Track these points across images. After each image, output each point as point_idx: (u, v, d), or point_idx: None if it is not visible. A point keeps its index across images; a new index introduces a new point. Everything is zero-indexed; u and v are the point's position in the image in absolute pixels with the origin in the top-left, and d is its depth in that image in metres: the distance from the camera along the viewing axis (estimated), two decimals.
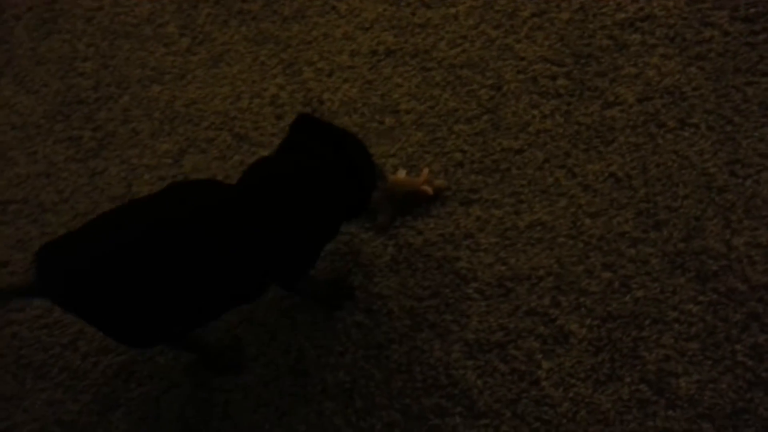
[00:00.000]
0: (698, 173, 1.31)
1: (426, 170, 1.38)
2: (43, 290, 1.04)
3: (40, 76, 1.72)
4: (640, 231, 1.29)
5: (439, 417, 1.21)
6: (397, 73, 1.54)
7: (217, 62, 1.64)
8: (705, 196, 1.29)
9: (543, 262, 1.30)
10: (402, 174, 1.38)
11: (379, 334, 1.30)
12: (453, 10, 1.59)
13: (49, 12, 1.81)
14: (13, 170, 1.61)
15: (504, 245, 1.33)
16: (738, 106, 1.35)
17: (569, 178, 1.37)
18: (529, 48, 1.51)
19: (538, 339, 1.24)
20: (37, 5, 1.82)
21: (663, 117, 1.37)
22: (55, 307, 1.41)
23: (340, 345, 1.30)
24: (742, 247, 1.24)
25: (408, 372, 1.25)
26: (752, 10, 1.42)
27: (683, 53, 1.41)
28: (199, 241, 1.03)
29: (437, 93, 1.51)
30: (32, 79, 1.73)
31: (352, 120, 1.50)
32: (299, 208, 1.09)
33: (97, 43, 1.73)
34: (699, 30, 1.43)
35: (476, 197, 1.39)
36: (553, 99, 1.44)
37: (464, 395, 1.22)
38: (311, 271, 1.31)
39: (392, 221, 1.39)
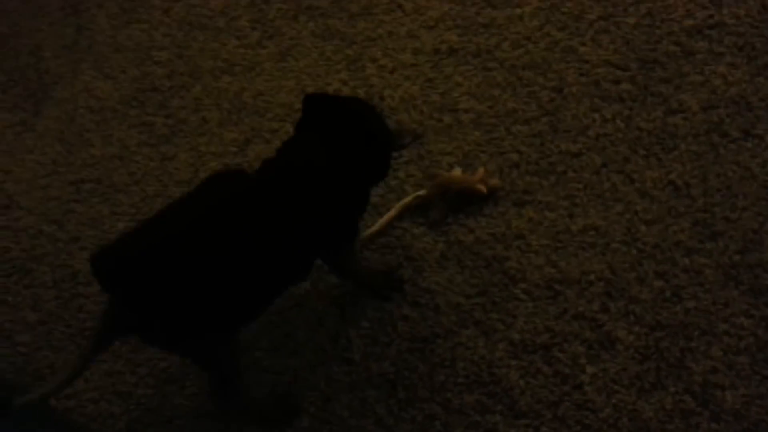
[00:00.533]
0: (759, 185, 1.32)
1: (482, 169, 1.43)
2: (109, 319, 1.12)
3: (119, 63, 1.86)
4: (695, 241, 1.31)
5: (480, 414, 1.26)
6: (459, 72, 1.60)
7: (284, 56, 1.74)
8: (764, 208, 1.29)
9: (594, 267, 1.34)
10: (457, 172, 1.43)
11: (425, 328, 1.36)
12: (518, 11, 1.63)
13: (129, 2, 1.95)
14: (89, 151, 1.75)
15: (555, 248, 1.37)
16: None
17: (627, 183, 1.40)
18: (593, 51, 1.54)
19: (584, 343, 1.28)
20: None
21: (726, 127, 1.38)
22: None
23: (386, 336, 1.36)
24: None
25: (451, 367, 1.31)
26: None
27: (751, 62, 1.41)
28: (242, 227, 1.11)
29: (497, 93, 1.55)
30: (111, 65, 1.87)
31: (411, 117, 1.57)
32: (325, 184, 1.16)
33: (173, 34, 1.86)
34: None
35: (530, 198, 1.43)
36: (615, 103, 1.47)
37: (506, 394, 1.27)
38: (364, 262, 1.39)
39: (444, 218, 1.44)
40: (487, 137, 1.51)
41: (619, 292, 1.30)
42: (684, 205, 1.34)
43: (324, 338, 1.39)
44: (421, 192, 1.46)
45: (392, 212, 1.45)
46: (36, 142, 1.80)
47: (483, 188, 1.40)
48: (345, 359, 1.36)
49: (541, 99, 1.52)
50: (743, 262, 1.27)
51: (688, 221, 1.33)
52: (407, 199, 1.46)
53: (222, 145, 1.66)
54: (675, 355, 1.23)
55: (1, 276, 1.63)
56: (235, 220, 1.11)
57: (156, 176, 1.67)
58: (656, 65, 1.48)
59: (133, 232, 1.15)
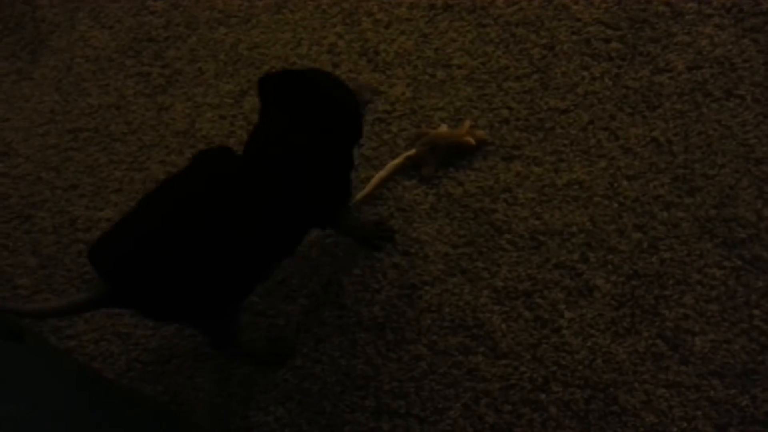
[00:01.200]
0: (738, 143, 1.41)
1: (467, 122, 1.52)
2: (107, 298, 1.17)
3: (114, 13, 1.93)
4: (674, 195, 1.41)
5: (463, 354, 1.38)
6: (453, 28, 1.68)
7: (280, 8, 1.81)
8: (742, 166, 1.39)
9: (576, 220, 1.44)
10: (443, 128, 1.53)
11: (413, 275, 1.46)
12: None
13: None
14: (86, 100, 1.83)
15: (540, 201, 1.47)
16: None
17: (611, 140, 1.49)
18: (585, 10, 1.62)
19: (564, 291, 1.39)
20: None
21: (710, 86, 1.47)
22: None
23: (377, 283, 1.47)
24: None
25: (437, 312, 1.42)
26: None
27: (738, 24, 1.50)
28: (236, 203, 1.17)
29: (490, 50, 1.64)
30: (107, 15, 1.94)
31: (405, 71, 1.65)
32: (308, 157, 1.23)
33: None
34: (757, 2, 1.51)
35: (518, 153, 1.52)
36: (604, 62, 1.56)
37: (488, 337, 1.38)
38: (355, 213, 1.49)
39: (435, 173, 1.54)
40: (479, 93, 1.60)
41: (598, 243, 1.41)
42: (665, 162, 1.44)
43: (317, 285, 1.50)
44: (411, 152, 1.54)
45: (383, 173, 1.54)
46: (33, 91, 1.88)
47: (471, 140, 1.49)
48: (337, 304, 1.47)
49: (533, 56, 1.61)
50: (719, 216, 1.37)
51: (668, 177, 1.43)
52: (397, 160, 1.54)
53: (218, 96, 1.74)
54: (649, 303, 1.35)
55: (0, 222, 1.72)
56: (228, 201, 1.17)
57: (152, 126, 1.75)
58: (645, 25, 1.56)
59: (128, 219, 1.19)
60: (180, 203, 1.16)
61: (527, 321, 1.38)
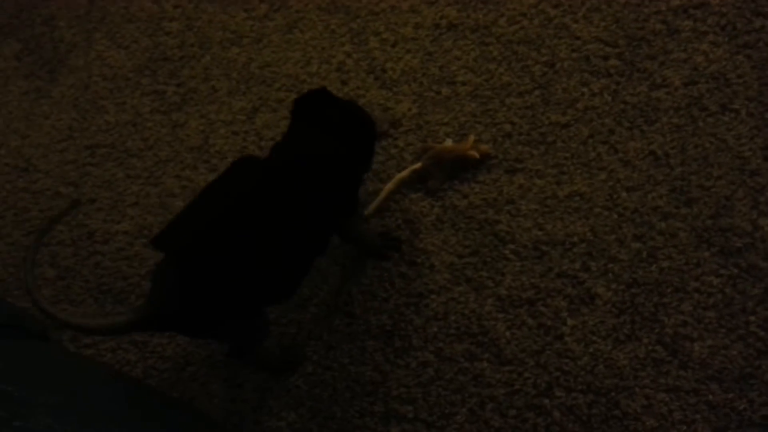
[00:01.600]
0: (733, 156, 1.46)
1: (471, 137, 1.57)
2: (147, 320, 1.22)
3: (131, 33, 2.00)
4: (672, 206, 1.45)
5: (469, 361, 1.42)
6: (457, 47, 1.73)
7: (291, 28, 1.87)
8: (737, 177, 1.44)
9: (578, 230, 1.48)
10: (448, 142, 1.58)
11: (420, 284, 1.51)
12: None
13: None
14: (103, 117, 1.89)
15: (543, 212, 1.52)
16: None
17: (611, 153, 1.54)
18: (585, 28, 1.67)
19: (566, 299, 1.43)
20: None
21: (706, 101, 1.52)
22: (136, 240, 1.69)
23: (385, 292, 1.52)
24: (767, 227, 1.39)
25: (444, 320, 1.46)
26: None
27: (732, 41, 1.55)
28: (272, 213, 1.24)
29: (493, 67, 1.69)
30: (123, 35, 2.00)
31: (410, 88, 1.71)
32: (333, 168, 1.32)
33: (183, 5, 1.99)
34: (750, 19, 1.56)
35: (521, 166, 1.57)
36: (603, 78, 1.61)
37: (493, 344, 1.42)
38: (364, 225, 1.54)
39: (441, 186, 1.59)
40: (482, 109, 1.65)
41: (599, 253, 1.45)
42: (663, 174, 1.48)
43: (327, 294, 1.54)
44: (417, 165, 1.59)
45: (390, 186, 1.59)
46: (52, 109, 1.94)
47: (475, 154, 1.54)
48: (346, 312, 1.52)
49: (534, 73, 1.66)
50: (715, 226, 1.42)
51: (665, 188, 1.47)
52: (404, 173, 1.59)
53: (231, 113, 1.80)
54: (649, 310, 1.38)
55: (21, 235, 1.78)
56: (266, 207, 1.24)
57: (168, 142, 1.81)
58: (643, 42, 1.62)
59: (182, 223, 1.25)
60: (221, 211, 1.23)
61: (531, 328, 1.42)
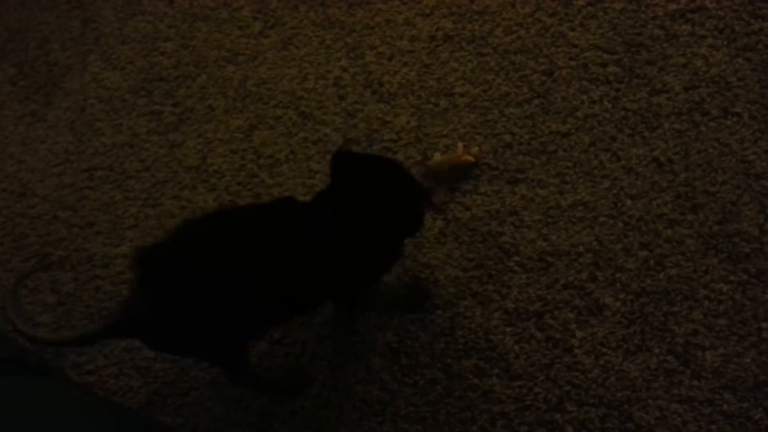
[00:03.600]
0: (737, 160, 1.42)
1: (459, 144, 1.54)
2: (117, 325, 1.19)
3: (126, 54, 1.95)
4: (677, 213, 1.41)
5: (478, 377, 1.37)
6: (454, 58, 1.69)
7: (286, 45, 1.83)
8: (742, 182, 1.40)
9: (583, 240, 1.44)
10: (437, 156, 1.54)
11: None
12: None
13: None
14: (100, 140, 1.85)
15: (546, 222, 1.47)
16: None
17: (613, 161, 1.50)
18: (582, 36, 1.64)
19: (574, 310, 1.38)
20: None
21: (707, 105, 1.48)
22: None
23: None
24: None
25: (450, 335, 1.42)
26: None
27: (731, 45, 1.51)
28: (284, 252, 1.15)
29: (491, 78, 1.65)
30: (118, 56, 1.96)
31: (408, 101, 1.66)
32: (363, 229, 1.20)
33: (177, 25, 1.95)
34: (749, 22, 1.52)
35: (522, 177, 1.53)
36: (603, 85, 1.57)
37: (502, 359, 1.37)
38: (381, 286, 1.42)
39: (446, 198, 1.54)
40: (482, 119, 1.61)
41: (606, 262, 1.41)
42: (667, 180, 1.44)
43: (330, 313, 1.49)
44: None
45: None
46: (48, 132, 1.90)
47: (470, 158, 1.51)
48: (350, 331, 1.47)
49: (533, 82, 1.62)
50: (722, 232, 1.37)
51: (670, 195, 1.43)
52: None
53: (228, 131, 1.75)
54: (659, 319, 1.34)
55: (19, 261, 1.73)
56: (273, 247, 1.15)
57: (165, 162, 1.76)
58: (641, 48, 1.58)
59: (174, 238, 1.19)
60: (220, 237, 1.16)
61: (539, 341, 1.37)
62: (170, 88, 1.86)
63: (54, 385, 1.08)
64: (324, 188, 1.26)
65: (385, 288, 1.45)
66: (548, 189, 1.51)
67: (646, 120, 1.51)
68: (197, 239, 1.17)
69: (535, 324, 1.39)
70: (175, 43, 1.93)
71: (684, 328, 1.32)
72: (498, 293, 1.43)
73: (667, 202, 1.43)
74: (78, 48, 2.01)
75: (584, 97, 1.57)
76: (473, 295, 1.44)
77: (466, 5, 1.75)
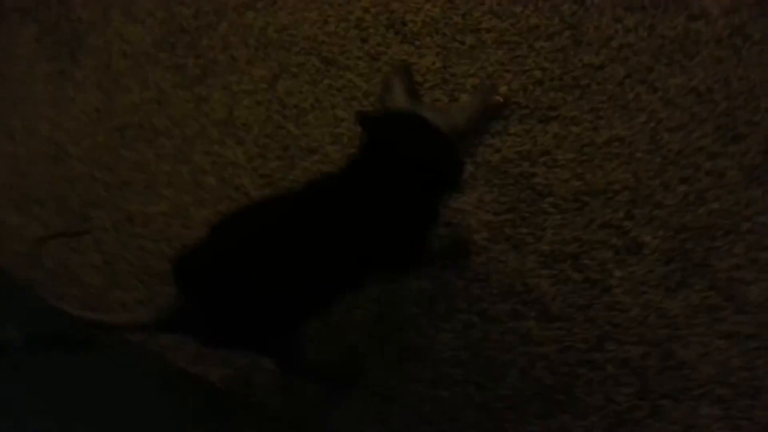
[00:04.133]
0: None
1: (487, 83, 1.48)
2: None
3: (146, 7, 1.91)
4: (718, 145, 1.35)
5: (515, 320, 1.36)
6: None
7: None
8: None
9: (619, 177, 1.39)
10: (462, 98, 1.48)
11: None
12: None
13: None
14: (128, 97, 1.83)
15: (581, 161, 1.43)
16: None
17: (650, 93, 1.43)
18: None
19: (612, 250, 1.35)
20: None
21: (749, 29, 1.38)
22: (174, 220, 1.66)
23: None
24: None
25: (485, 280, 1.40)
26: None
27: None
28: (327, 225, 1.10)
29: (519, 10, 1.57)
30: (138, 9, 1.92)
31: (433, 40, 1.60)
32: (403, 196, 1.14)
33: None
34: None
35: (555, 114, 1.47)
36: (638, 12, 1.48)
37: (538, 301, 1.36)
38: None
39: (475, 142, 1.49)
40: (510, 55, 1.54)
41: (644, 199, 1.36)
42: (707, 111, 1.37)
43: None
44: None
45: None
46: (77, 91, 1.89)
47: (498, 98, 1.44)
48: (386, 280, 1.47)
49: (563, 12, 1.53)
50: (765, 162, 1.31)
51: (710, 126, 1.36)
52: None
53: (252, 82, 1.72)
54: (700, 255, 1.30)
55: (63, 223, 1.76)
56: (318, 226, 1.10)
57: (193, 117, 1.74)
58: None
59: (213, 237, 1.13)
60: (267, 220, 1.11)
61: (576, 283, 1.35)
62: (192, 40, 1.82)
63: (96, 360, 1.10)
64: (354, 155, 1.19)
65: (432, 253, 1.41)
66: (582, 125, 1.45)
67: (684, 48, 1.42)
68: (233, 237, 1.11)
69: (571, 265, 1.37)
70: None
71: (726, 263, 1.28)
72: (532, 236, 1.41)
73: (707, 134, 1.36)
74: (99, 3, 1.97)
75: (618, 25, 1.48)
76: (507, 239, 1.42)
77: None
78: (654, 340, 1.28)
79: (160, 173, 1.72)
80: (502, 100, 1.46)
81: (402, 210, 1.14)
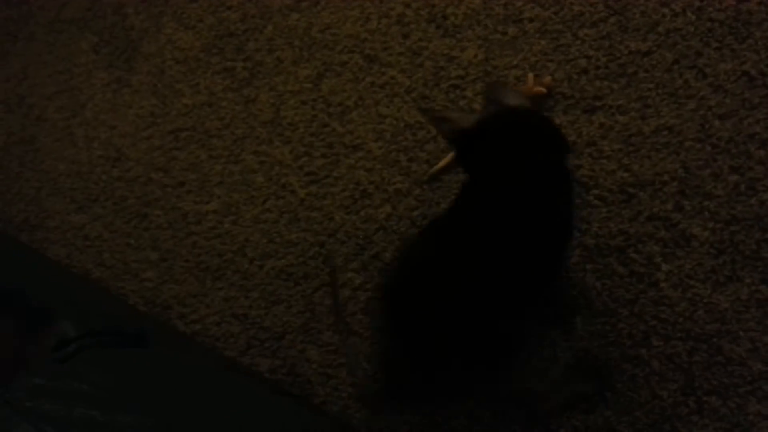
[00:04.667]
0: None
1: (530, 75, 1.46)
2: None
3: (195, 12, 1.97)
4: None
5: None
6: None
7: None
8: None
9: (667, 167, 1.35)
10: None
11: None
12: None
13: None
14: (181, 101, 1.90)
15: (627, 152, 1.39)
16: None
17: (699, 78, 1.38)
18: None
19: (659, 243, 1.32)
20: None
21: None
22: (225, 218, 1.71)
23: None
24: None
25: None
26: None
27: None
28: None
29: None
30: (189, 16, 1.97)
31: (475, 32, 1.59)
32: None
33: None
34: None
35: (600, 104, 1.44)
36: None
37: (582, 296, 1.34)
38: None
39: None
40: (554, 45, 1.52)
41: (693, 190, 1.32)
42: (759, 96, 1.31)
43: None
44: None
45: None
46: (133, 97, 1.97)
47: (542, 89, 1.43)
48: None
49: None
50: None
51: (762, 112, 1.30)
52: None
53: (297, 82, 1.75)
54: (750, 248, 1.25)
55: (122, 222, 1.84)
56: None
57: (242, 119, 1.79)
58: None
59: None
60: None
61: (622, 277, 1.33)
62: (239, 43, 1.87)
63: (152, 354, 1.16)
64: (465, 181, 1.21)
65: None
66: (629, 115, 1.41)
67: (735, 30, 1.36)
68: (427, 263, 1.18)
69: (617, 259, 1.34)
70: None
71: None
72: (577, 229, 1.38)
73: (759, 120, 1.30)
74: (151, 11, 2.04)
75: (665, 9, 1.44)
76: None
77: None
78: (701, 335, 1.25)
79: (212, 173, 1.77)
80: (545, 90, 1.45)
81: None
